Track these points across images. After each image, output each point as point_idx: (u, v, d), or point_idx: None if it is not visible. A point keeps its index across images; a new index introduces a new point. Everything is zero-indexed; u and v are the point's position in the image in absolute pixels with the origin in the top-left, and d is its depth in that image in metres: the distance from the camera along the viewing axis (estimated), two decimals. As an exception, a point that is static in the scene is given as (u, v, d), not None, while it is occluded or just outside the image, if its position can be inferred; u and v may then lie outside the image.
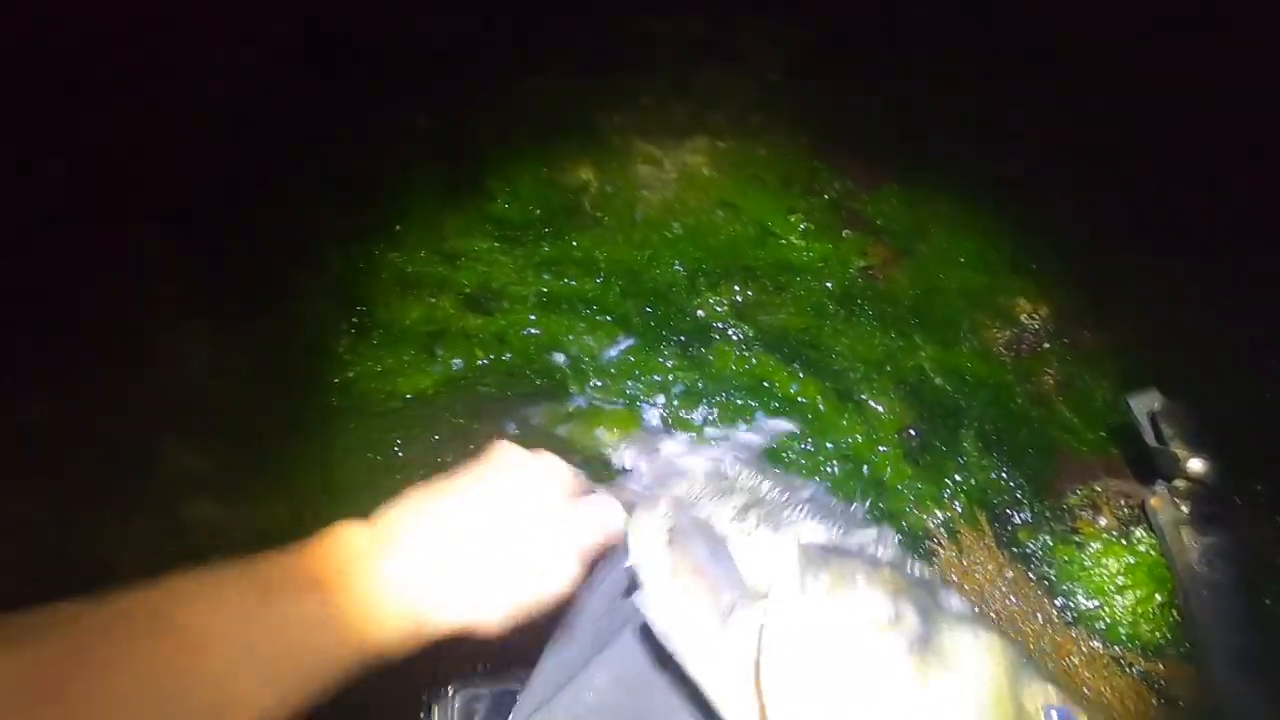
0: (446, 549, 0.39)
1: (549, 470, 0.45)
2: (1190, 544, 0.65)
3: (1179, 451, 0.67)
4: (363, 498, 0.68)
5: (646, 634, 0.51)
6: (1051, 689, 0.32)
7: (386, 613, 0.36)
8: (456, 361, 0.81)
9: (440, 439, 0.76)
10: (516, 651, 0.64)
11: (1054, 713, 0.31)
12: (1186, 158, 1.05)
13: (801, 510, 0.47)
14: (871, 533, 0.45)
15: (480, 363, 0.80)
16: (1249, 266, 0.91)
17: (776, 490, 0.50)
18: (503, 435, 0.76)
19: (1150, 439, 0.69)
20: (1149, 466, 0.70)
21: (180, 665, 0.30)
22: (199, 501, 0.74)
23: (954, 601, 0.37)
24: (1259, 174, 0.96)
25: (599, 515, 0.46)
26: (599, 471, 0.76)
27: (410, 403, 0.76)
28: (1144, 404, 0.70)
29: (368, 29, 1.23)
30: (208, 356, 0.84)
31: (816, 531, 0.46)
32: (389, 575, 0.37)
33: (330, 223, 0.96)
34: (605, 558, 0.59)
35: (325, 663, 0.34)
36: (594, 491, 0.49)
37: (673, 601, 0.41)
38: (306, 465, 0.73)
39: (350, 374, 0.79)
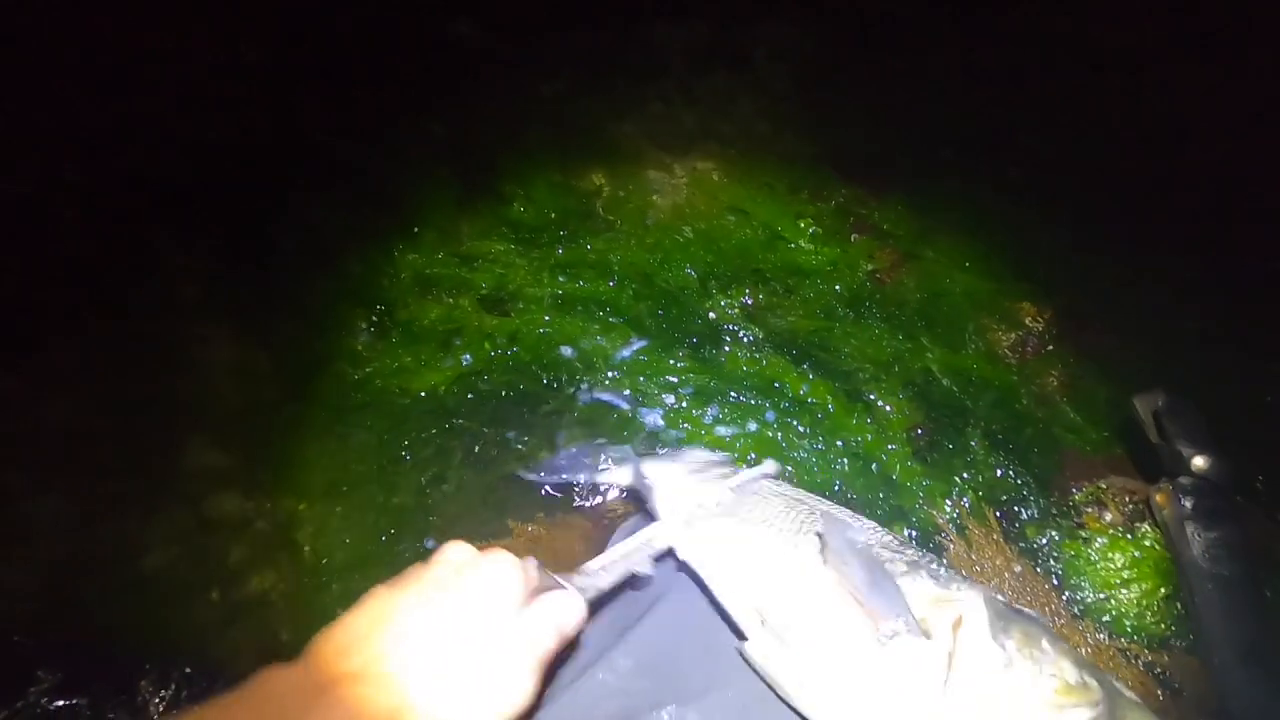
0: (385, 687, 0.35)
1: (500, 574, 0.41)
2: (1194, 538, 0.66)
3: (1182, 449, 0.68)
4: (376, 492, 0.71)
5: (666, 620, 0.53)
6: None
7: None
8: (468, 358, 0.82)
9: (448, 437, 0.78)
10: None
11: None
12: (1189, 163, 1.08)
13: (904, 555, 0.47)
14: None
15: (494, 361, 0.82)
16: (1249, 270, 0.93)
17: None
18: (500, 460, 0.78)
19: (1154, 436, 0.71)
20: (1153, 463, 0.71)
21: None
22: (222, 497, 0.75)
23: (1126, 691, 0.37)
24: (1261, 180, 0.99)
25: (554, 617, 0.43)
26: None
27: (423, 400, 0.78)
28: (1148, 402, 0.71)
29: (384, 40, 1.26)
30: (230, 356, 0.85)
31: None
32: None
33: (350, 226, 0.98)
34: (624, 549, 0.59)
35: None
36: (554, 584, 0.46)
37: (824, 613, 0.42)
38: (324, 461, 0.75)
39: (368, 370, 0.81)
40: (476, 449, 0.75)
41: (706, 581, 0.50)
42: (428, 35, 1.30)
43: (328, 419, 0.77)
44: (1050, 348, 0.91)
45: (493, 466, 0.75)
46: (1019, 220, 1.05)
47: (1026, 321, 0.93)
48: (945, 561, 0.47)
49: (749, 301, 0.93)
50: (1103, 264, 0.98)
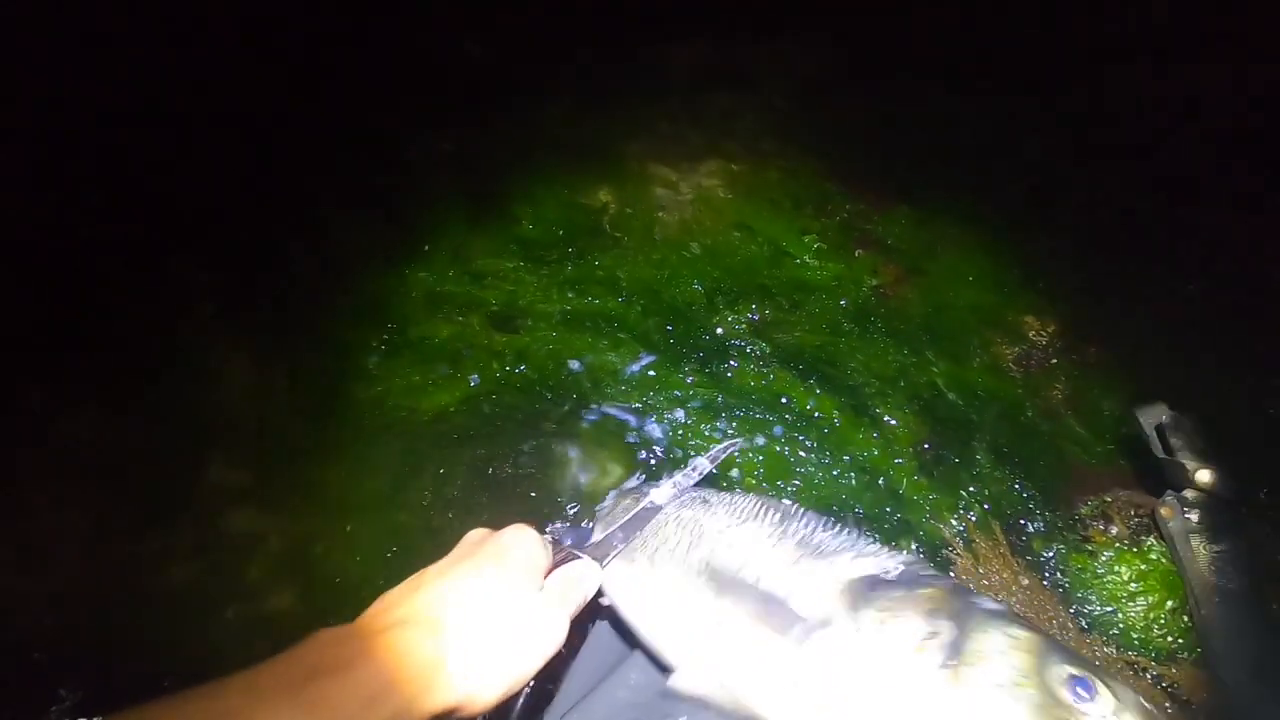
0: (428, 635, 0.38)
1: (520, 543, 0.45)
2: (1200, 552, 0.67)
3: (1187, 462, 0.69)
4: (388, 512, 0.72)
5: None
6: (1071, 666, 0.35)
7: (372, 711, 0.34)
8: (475, 378, 0.83)
9: (459, 457, 0.78)
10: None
11: (1076, 684, 0.34)
12: (1192, 177, 1.09)
13: (837, 536, 0.49)
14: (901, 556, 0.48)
15: (502, 380, 0.83)
16: (1253, 283, 0.94)
17: (805, 519, 0.53)
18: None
19: (1158, 450, 0.71)
20: (1158, 477, 0.72)
21: None
22: (238, 512, 0.77)
23: (988, 603, 0.40)
24: (1267, 192, 1.00)
25: (576, 580, 0.47)
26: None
27: (433, 419, 0.79)
28: (1151, 416, 0.72)
29: (396, 62, 1.28)
30: (248, 375, 0.87)
31: (853, 561, 0.48)
32: (364, 667, 0.35)
33: (362, 245, 1.00)
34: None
35: None
36: (569, 555, 0.50)
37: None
38: (338, 480, 0.76)
39: (379, 389, 0.82)
40: (488, 470, 0.76)
41: (628, 622, 0.52)
42: (438, 58, 1.32)
43: (341, 438, 0.79)
44: (1054, 361, 0.91)
45: (503, 486, 0.76)
46: (1021, 234, 1.06)
47: (1030, 335, 0.94)
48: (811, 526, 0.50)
49: (755, 317, 0.94)
50: (1105, 277, 0.99)
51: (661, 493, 0.59)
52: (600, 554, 0.53)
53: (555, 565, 0.48)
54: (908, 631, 0.39)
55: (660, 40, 1.40)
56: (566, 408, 0.82)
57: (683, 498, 0.58)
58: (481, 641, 0.39)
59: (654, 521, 0.56)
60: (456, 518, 0.72)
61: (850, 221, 1.07)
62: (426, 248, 0.99)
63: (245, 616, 0.72)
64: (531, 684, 0.44)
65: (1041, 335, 0.93)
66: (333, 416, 0.80)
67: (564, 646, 0.44)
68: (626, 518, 0.57)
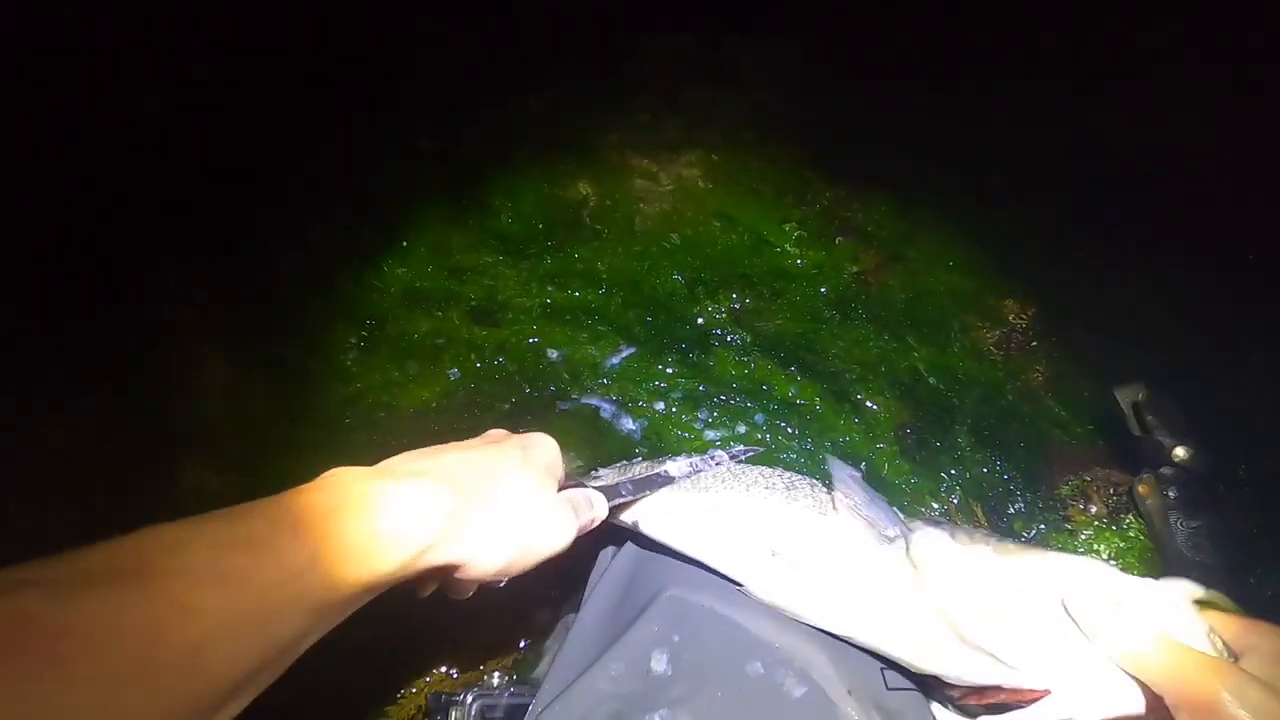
0: (447, 487, 0.38)
1: (543, 445, 0.47)
2: (1177, 528, 0.67)
3: (1163, 440, 0.69)
4: None
5: (664, 625, 0.54)
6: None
7: (387, 552, 0.35)
8: (455, 372, 0.83)
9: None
10: (530, 662, 0.66)
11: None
12: (1167, 160, 1.09)
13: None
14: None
15: (481, 374, 0.83)
16: (1228, 262, 0.94)
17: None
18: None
19: (1135, 429, 0.72)
20: (1136, 455, 0.72)
21: (165, 631, 0.28)
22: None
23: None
24: (1239, 175, 1.00)
25: (584, 498, 0.48)
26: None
27: (413, 417, 0.79)
28: (1128, 395, 0.73)
29: (371, 56, 1.27)
30: (223, 376, 0.86)
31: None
32: (385, 506, 0.35)
33: (340, 241, 0.99)
34: (605, 549, 0.63)
35: (312, 611, 0.32)
36: (578, 483, 0.52)
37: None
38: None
39: (358, 386, 0.81)
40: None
41: (683, 550, 0.56)
42: (415, 51, 1.31)
43: (319, 437, 0.78)
44: (1034, 343, 0.92)
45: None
46: (1000, 218, 1.06)
47: (1010, 318, 0.94)
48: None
49: (736, 306, 0.94)
50: (1083, 258, 1.00)
51: (677, 466, 0.60)
52: (607, 495, 0.53)
53: (564, 487, 0.49)
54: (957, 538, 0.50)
55: (642, 32, 1.39)
56: (546, 400, 0.82)
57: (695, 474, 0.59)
58: (497, 508, 0.40)
59: (667, 488, 0.58)
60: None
61: (831, 209, 1.07)
62: (405, 243, 0.98)
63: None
64: (529, 577, 0.45)
65: (1021, 318, 0.94)
66: (311, 415, 0.80)
67: (566, 559, 0.45)
68: (638, 475, 0.58)
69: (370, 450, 0.79)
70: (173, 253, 0.97)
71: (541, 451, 0.46)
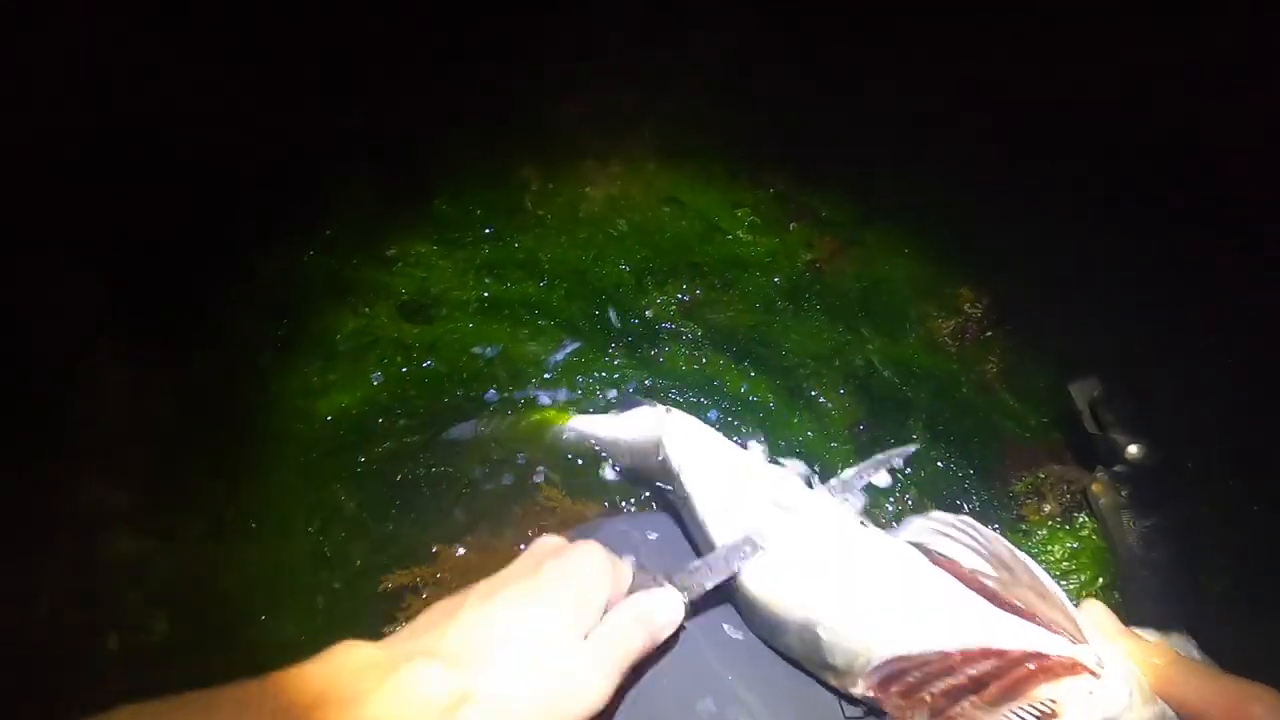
0: (450, 666, 0.35)
1: (584, 567, 0.41)
2: (1129, 527, 0.66)
3: (1118, 437, 0.68)
4: (281, 529, 0.65)
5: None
6: None
7: None
8: (379, 375, 0.77)
9: (362, 463, 0.72)
10: None
11: None
12: (1124, 145, 1.07)
13: None
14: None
15: (409, 377, 0.77)
16: (1184, 249, 0.93)
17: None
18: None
19: (1090, 426, 0.70)
20: (1090, 452, 0.71)
21: None
22: (118, 537, 0.69)
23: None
24: (1195, 160, 0.99)
25: (645, 616, 0.42)
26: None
27: (332, 424, 0.73)
28: (1083, 391, 0.71)
29: (292, 20, 1.16)
30: (125, 377, 0.78)
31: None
32: (378, 705, 0.33)
33: (257, 226, 0.90)
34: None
35: None
36: (652, 583, 0.45)
37: None
38: (231, 495, 0.69)
39: (274, 390, 0.75)
40: (395, 476, 0.70)
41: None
42: (345, 15, 1.21)
43: (230, 449, 0.71)
44: (989, 333, 0.90)
45: (411, 491, 0.70)
46: (958, 201, 1.03)
47: (965, 308, 0.92)
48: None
49: (686, 297, 0.89)
50: (1039, 243, 0.97)
51: (809, 502, 0.54)
52: (694, 582, 0.46)
53: (633, 590, 0.43)
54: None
55: None
56: (481, 403, 0.77)
57: None
58: (505, 692, 0.35)
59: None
60: (353, 534, 0.67)
61: (785, 192, 1.03)
62: (329, 231, 0.91)
63: (128, 645, 0.65)
64: None
65: (976, 307, 0.91)
66: (221, 425, 0.73)
67: (612, 701, 0.39)
68: (741, 541, 0.50)
69: (283, 464, 0.73)
70: (67, 241, 0.87)
71: (578, 587, 0.40)
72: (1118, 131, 1.08)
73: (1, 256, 0.83)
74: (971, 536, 0.48)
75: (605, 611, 0.41)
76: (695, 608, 0.47)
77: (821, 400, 0.82)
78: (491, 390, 0.78)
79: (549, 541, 0.44)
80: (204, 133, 0.99)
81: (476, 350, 0.81)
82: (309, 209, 0.92)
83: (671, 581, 0.45)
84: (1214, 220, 0.90)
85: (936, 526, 0.51)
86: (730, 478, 0.56)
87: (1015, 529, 0.72)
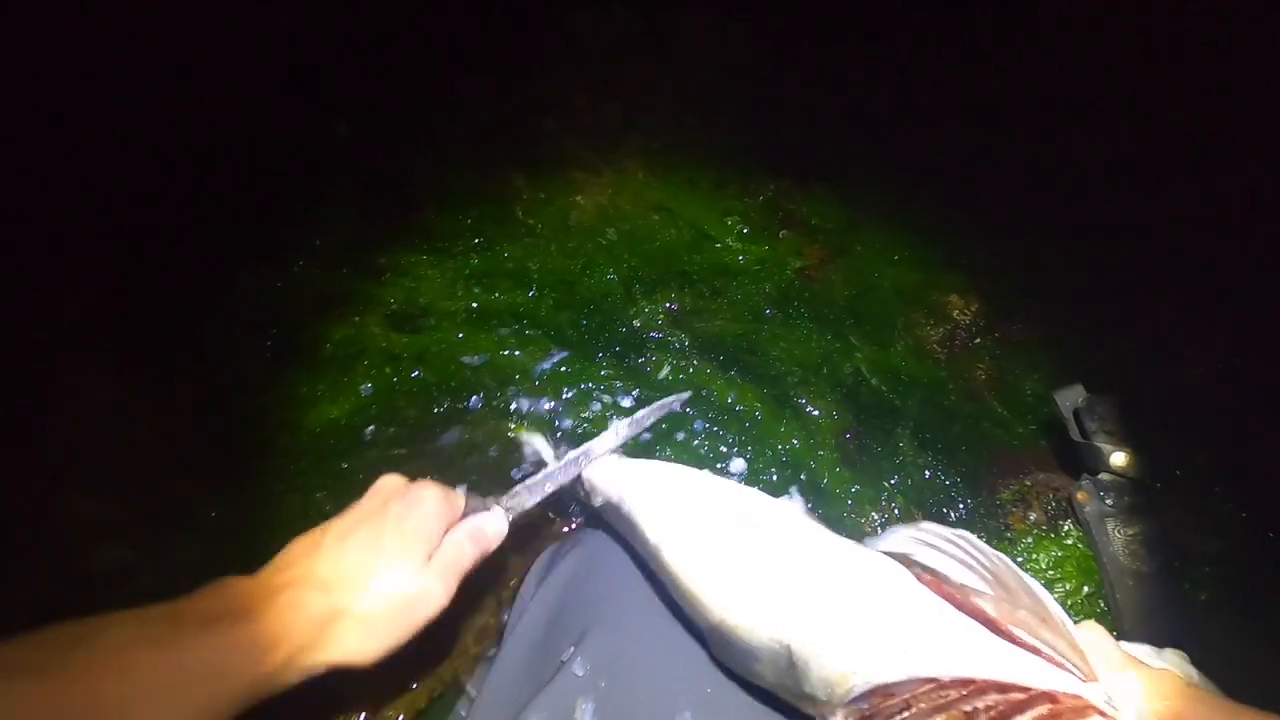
0: (314, 591, 0.42)
1: (422, 498, 0.48)
2: (1114, 535, 0.66)
3: (1102, 446, 0.68)
4: (277, 539, 0.65)
5: (591, 669, 0.50)
6: None
7: (268, 655, 0.39)
8: (369, 386, 0.77)
9: (349, 475, 0.72)
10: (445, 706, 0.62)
11: None
12: (1109, 154, 1.08)
13: None
14: None
15: (398, 387, 0.77)
16: (1167, 258, 0.94)
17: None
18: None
19: (1075, 434, 0.70)
20: (1075, 461, 0.71)
21: (73, 717, 0.33)
22: (105, 548, 0.69)
23: None
24: (1180, 171, 0.99)
25: (474, 535, 0.50)
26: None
27: (320, 435, 0.72)
28: (1068, 399, 0.71)
29: (283, 33, 1.17)
30: (112, 389, 0.78)
31: None
32: (269, 619, 0.40)
33: (246, 238, 0.91)
34: (543, 554, 0.64)
35: (206, 706, 0.37)
36: (481, 507, 0.53)
37: None
38: (217, 506, 0.69)
39: (263, 401, 0.75)
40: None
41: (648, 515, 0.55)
42: (333, 29, 1.21)
43: (216, 460, 0.71)
44: (977, 341, 0.90)
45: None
46: (946, 211, 1.04)
47: (954, 315, 0.92)
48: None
49: (674, 306, 0.90)
50: (1027, 253, 0.98)
51: (600, 442, 0.61)
52: (516, 503, 0.55)
53: (466, 514, 0.51)
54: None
55: (578, 10, 1.31)
56: (469, 412, 0.77)
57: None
58: (365, 606, 0.43)
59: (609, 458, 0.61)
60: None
61: (774, 200, 1.03)
62: (318, 242, 0.91)
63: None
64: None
65: (965, 314, 0.92)
66: (207, 437, 0.73)
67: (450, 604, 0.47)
68: (559, 464, 0.59)
69: (271, 475, 0.73)
70: (53, 250, 0.87)
71: (417, 518, 0.47)
72: (1104, 143, 1.09)
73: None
74: (968, 552, 0.44)
75: (445, 533, 0.49)
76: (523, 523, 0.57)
77: (809, 409, 0.82)
78: (477, 398, 0.77)
79: (390, 481, 0.50)
80: (191, 147, 0.99)
81: (465, 360, 0.81)
82: (298, 220, 0.92)
83: (499, 503, 0.54)
84: (1199, 232, 0.90)
85: (924, 538, 0.46)
86: (687, 505, 0.52)
87: (1001, 537, 0.72)
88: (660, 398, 0.69)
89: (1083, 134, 1.07)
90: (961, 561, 0.43)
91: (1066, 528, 0.71)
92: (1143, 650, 0.44)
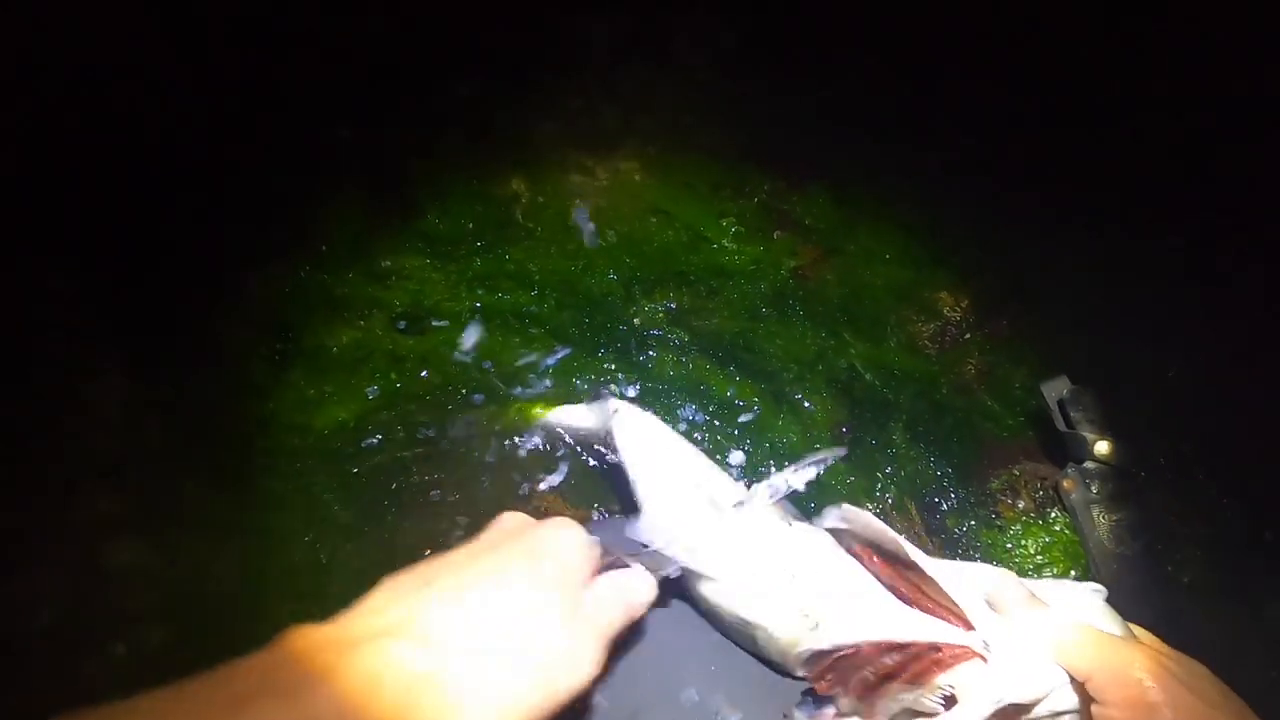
0: (415, 653, 0.31)
1: (561, 540, 0.38)
2: (1100, 522, 0.69)
3: (1087, 435, 0.71)
4: (279, 539, 0.67)
5: None
6: None
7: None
8: (375, 389, 0.79)
9: (355, 478, 0.74)
10: None
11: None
12: (1097, 155, 1.11)
13: None
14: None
15: (403, 390, 0.79)
16: (1150, 255, 0.96)
17: None
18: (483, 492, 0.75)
19: (1060, 424, 0.73)
20: (1061, 450, 0.74)
21: None
22: (118, 547, 0.71)
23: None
24: (1164, 165, 1.02)
25: (625, 593, 0.40)
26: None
27: (328, 437, 0.74)
28: (1054, 390, 0.74)
29: (282, 37, 1.18)
30: (122, 391, 0.80)
31: None
32: (344, 682, 0.29)
33: (251, 243, 0.92)
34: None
35: None
36: (621, 563, 0.44)
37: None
38: (228, 505, 0.71)
39: (270, 405, 0.76)
40: (390, 485, 0.72)
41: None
42: (333, 35, 1.23)
43: (226, 461, 0.73)
44: (968, 336, 0.92)
45: (407, 500, 0.72)
46: (937, 208, 1.06)
47: (945, 311, 0.94)
48: None
49: (673, 305, 0.92)
50: (1016, 249, 1.00)
51: (745, 502, 0.58)
52: (656, 565, 0.46)
53: (602, 570, 0.41)
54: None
55: (576, 13, 1.33)
56: (474, 409, 0.79)
57: None
58: (489, 673, 0.32)
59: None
60: (349, 542, 0.68)
61: (768, 202, 1.05)
62: (324, 247, 0.93)
63: (128, 653, 0.67)
64: None
65: (955, 310, 0.94)
66: (217, 437, 0.75)
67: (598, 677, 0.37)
68: (694, 524, 0.52)
69: (279, 476, 0.74)
70: (61, 249, 0.88)
71: (559, 557, 0.37)
72: (1090, 142, 1.11)
73: (8, 271, 0.84)
74: (863, 533, 0.56)
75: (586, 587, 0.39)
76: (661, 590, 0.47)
77: (805, 403, 0.84)
78: (482, 397, 0.79)
79: (514, 518, 0.42)
80: (195, 151, 1.01)
81: (470, 360, 0.83)
82: (302, 225, 0.94)
83: (639, 562, 0.45)
84: (1179, 227, 0.93)
85: (846, 517, 0.59)
86: (670, 471, 0.62)
87: (991, 524, 0.74)
88: (662, 399, 0.71)
89: (1072, 137, 1.09)
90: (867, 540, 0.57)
91: (1054, 514, 0.73)
92: (1058, 587, 0.51)
